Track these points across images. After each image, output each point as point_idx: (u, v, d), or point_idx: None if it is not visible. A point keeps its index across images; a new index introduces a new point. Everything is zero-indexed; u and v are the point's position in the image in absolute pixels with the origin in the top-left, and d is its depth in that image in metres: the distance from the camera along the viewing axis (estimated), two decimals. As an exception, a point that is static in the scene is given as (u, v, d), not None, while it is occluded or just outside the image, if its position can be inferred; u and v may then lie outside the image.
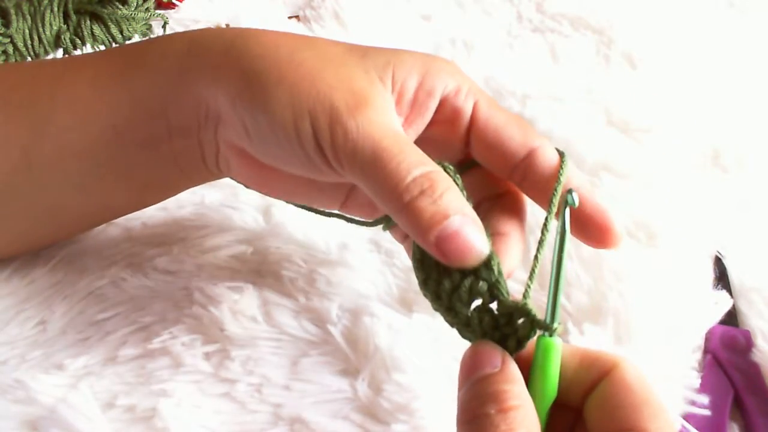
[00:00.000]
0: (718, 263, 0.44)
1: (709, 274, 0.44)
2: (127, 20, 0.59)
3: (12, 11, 0.56)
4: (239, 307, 0.40)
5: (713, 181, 0.50)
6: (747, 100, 0.56)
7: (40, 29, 0.56)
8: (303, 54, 0.34)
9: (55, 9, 0.57)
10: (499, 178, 0.36)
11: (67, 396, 0.36)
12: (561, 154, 0.34)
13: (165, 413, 0.35)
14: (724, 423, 0.37)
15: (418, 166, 0.30)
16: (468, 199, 0.31)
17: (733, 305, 0.42)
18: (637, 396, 0.27)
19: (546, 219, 0.31)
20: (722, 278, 0.44)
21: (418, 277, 0.32)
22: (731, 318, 0.42)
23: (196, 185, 0.41)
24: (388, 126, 0.31)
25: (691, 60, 0.60)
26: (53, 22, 0.57)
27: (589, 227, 0.33)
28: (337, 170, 0.32)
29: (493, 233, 0.33)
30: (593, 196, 0.33)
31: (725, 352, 0.40)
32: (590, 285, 0.41)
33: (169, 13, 0.63)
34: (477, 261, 0.29)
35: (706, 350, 0.40)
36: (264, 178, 0.37)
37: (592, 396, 0.28)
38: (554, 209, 0.32)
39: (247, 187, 0.39)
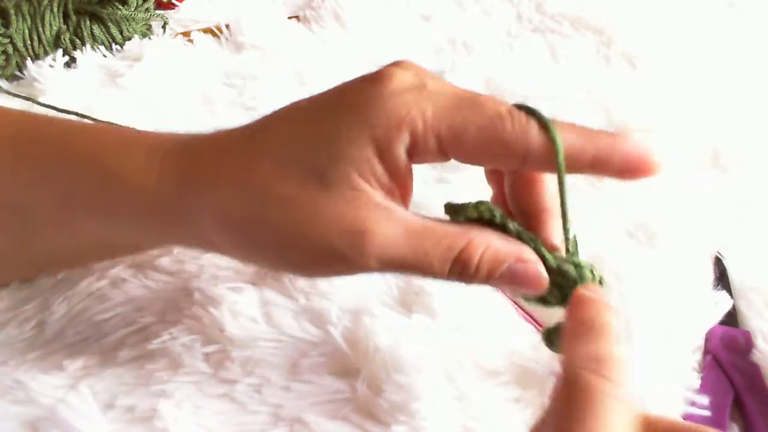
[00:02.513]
0: (718, 263, 0.44)
1: (709, 274, 0.44)
2: (127, 21, 0.59)
3: (12, 11, 0.56)
4: (239, 307, 0.40)
5: (713, 181, 0.50)
6: (747, 101, 0.56)
7: (40, 29, 0.56)
8: (276, 192, 0.31)
9: (55, 9, 0.57)
10: None
11: (66, 397, 0.36)
12: (545, 124, 0.30)
13: (165, 414, 0.35)
14: (725, 423, 0.37)
15: (447, 257, 0.31)
16: (511, 224, 0.32)
17: (733, 306, 0.42)
18: None
19: (561, 200, 0.32)
20: (722, 278, 0.44)
21: None
22: (731, 318, 0.42)
23: None
24: (400, 238, 0.30)
25: (691, 60, 0.60)
26: (53, 23, 0.57)
27: (628, 167, 0.31)
28: None
29: (528, 214, 0.34)
30: (615, 142, 0.31)
31: (725, 353, 0.40)
32: (590, 285, 0.41)
33: (169, 14, 0.63)
34: (541, 290, 0.32)
35: (707, 351, 0.40)
36: None
37: None
38: (565, 189, 0.31)
39: None
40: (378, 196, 0.31)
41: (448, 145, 0.30)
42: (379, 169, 0.31)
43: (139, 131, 0.37)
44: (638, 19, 0.64)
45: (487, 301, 0.41)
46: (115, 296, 0.41)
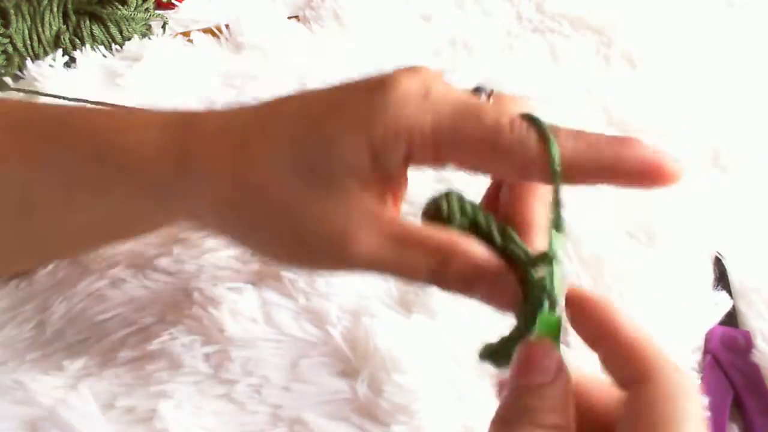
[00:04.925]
0: (718, 263, 0.44)
1: (709, 274, 0.44)
2: (127, 21, 0.59)
3: (11, 11, 0.56)
4: (239, 308, 0.40)
5: (713, 181, 0.50)
6: (747, 101, 0.56)
7: (40, 29, 0.56)
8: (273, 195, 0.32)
9: (55, 9, 0.57)
10: None
11: (66, 397, 0.36)
12: (543, 135, 0.29)
13: (165, 414, 0.35)
14: (724, 424, 0.37)
15: (427, 265, 0.30)
16: (480, 212, 0.31)
17: (733, 306, 0.42)
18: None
19: (555, 203, 0.29)
20: (722, 279, 0.44)
21: None
22: (731, 319, 0.42)
23: None
24: (382, 245, 0.31)
25: (691, 60, 0.60)
26: (53, 23, 0.57)
27: (639, 174, 0.29)
28: None
29: (518, 224, 0.32)
30: (623, 149, 0.29)
31: (725, 353, 0.40)
32: (590, 285, 0.41)
33: (169, 14, 0.63)
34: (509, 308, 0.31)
35: (706, 351, 0.40)
36: None
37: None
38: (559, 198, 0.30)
39: None
40: (368, 200, 0.31)
41: (445, 155, 0.30)
42: (373, 175, 0.31)
43: (134, 108, 0.38)
44: (638, 19, 0.64)
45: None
46: (114, 296, 0.41)
